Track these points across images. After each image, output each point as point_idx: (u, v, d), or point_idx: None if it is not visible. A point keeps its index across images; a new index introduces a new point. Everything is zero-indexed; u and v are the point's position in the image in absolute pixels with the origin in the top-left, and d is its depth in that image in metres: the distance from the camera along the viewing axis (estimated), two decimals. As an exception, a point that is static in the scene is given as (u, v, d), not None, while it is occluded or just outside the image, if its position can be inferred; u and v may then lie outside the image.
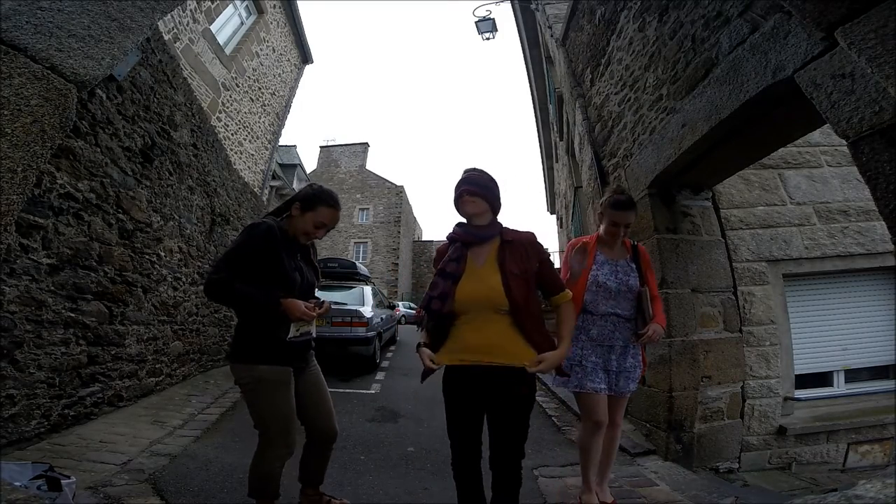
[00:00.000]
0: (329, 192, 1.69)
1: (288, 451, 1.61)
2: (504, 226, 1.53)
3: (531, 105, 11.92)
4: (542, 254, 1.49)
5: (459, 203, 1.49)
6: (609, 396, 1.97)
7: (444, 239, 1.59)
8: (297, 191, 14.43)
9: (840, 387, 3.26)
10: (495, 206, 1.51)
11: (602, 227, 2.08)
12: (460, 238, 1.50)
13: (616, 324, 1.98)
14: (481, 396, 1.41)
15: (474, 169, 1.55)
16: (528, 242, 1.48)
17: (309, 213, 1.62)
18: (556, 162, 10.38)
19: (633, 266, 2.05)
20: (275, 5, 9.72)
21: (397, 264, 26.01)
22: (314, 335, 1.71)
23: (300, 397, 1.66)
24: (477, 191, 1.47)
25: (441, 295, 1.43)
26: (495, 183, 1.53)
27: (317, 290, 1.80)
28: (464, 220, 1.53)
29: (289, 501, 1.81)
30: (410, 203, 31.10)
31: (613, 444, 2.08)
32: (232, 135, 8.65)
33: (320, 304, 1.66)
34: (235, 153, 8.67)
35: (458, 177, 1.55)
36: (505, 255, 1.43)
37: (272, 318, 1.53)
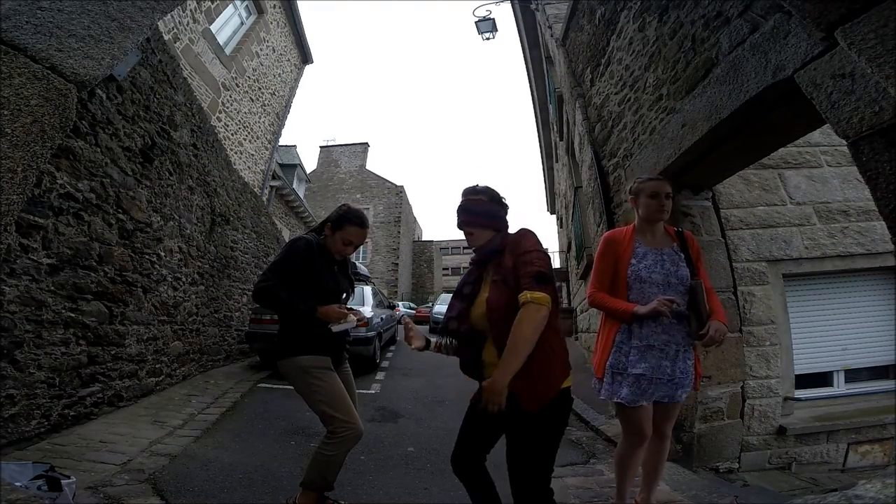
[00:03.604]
0: (356, 212, 1.86)
1: (357, 429, 1.70)
2: (506, 234, 1.41)
3: (531, 105, 11.92)
4: (519, 247, 1.29)
5: (464, 233, 1.44)
6: (660, 406, 1.77)
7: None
8: (296, 191, 14.32)
9: (840, 387, 3.26)
10: (495, 225, 1.41)
11: (641, 212, 1.84)
12: (473, 261, 1.45)
13: (667, 324, 1.71)
14: (496, 418, 1.30)
15: (472, 192, 1.46)
16: (512, 240, 1.34)
17: (338, 233, 1.80)
18: (556, 162, 10.38)
19: (682, 255, 1.79)
20: (275, 5, 9.72)
21: (397, 264, 26.02)
22: (354, 325, 1.84)
23: None
24: (469, 220, 1.41)
25: (459, 315, 1.38)
26: (489, 200, 1.43)
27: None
28: None
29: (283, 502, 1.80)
30: (410, 203, 31.11)
31: (662, 456, 1.90)
32: (232, 135, 8.65)
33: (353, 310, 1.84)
34: (235, 153, 8.67)
35: (458, 182, 1.48)
36: (495, 264, 1.34)
37: (310, 323, 1.72)
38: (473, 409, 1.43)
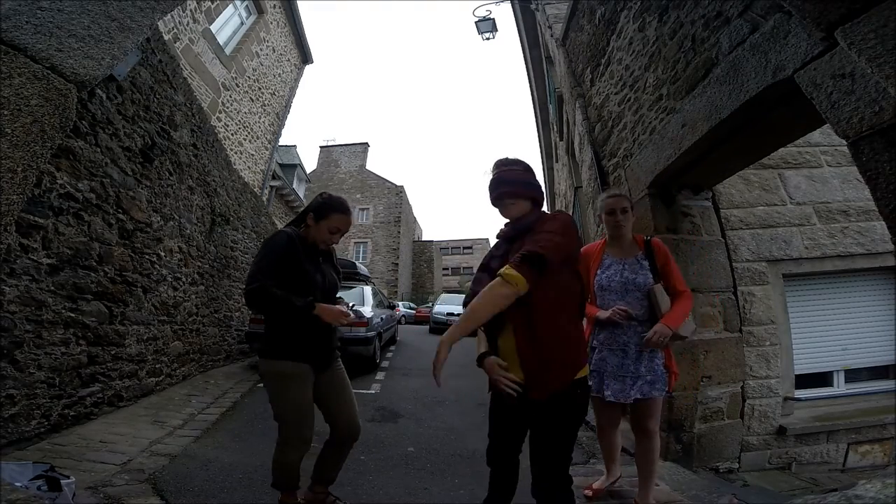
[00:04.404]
0: (338, 199, 1.80)
1: (302, 444, 1.69)
2: (543, 212, 1.36)
3: (531, 105, 11.92)
4: (540, 227, 1.25)
5: (501, 207, 1.37)
6: (633, 404, 1.90)
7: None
8: (296, 191, 14.30)
9: (840, 387, 3.26)
10: (532, 195, 1.36)
11: (606, 229, 2.05)
12: (502, 235, 1.40)
13: (627, 326, 1.89)
14: (518, 409, 1.30)
15: (505, 162, 1.39)
16: (543, 220, 1.28)
17: (323, 222, 1.73)
18: (556, 162, 10.38)
19: (645, 263, 1.94)
20: (275, 5, 9.72)
21: (397, 264, 26.01)
22: (364, 315, 1.77)
23: (323, 395, 1.78)
24: (514, 192, 1.34)
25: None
26: (530, 171, 1.38)
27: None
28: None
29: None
30: (410, 203, 31.11)
31: (647, 455, 1.94)
32: (232, 135, 8.65)
33: (350, 308, 1.80)
34: (235, 153, 8.67)
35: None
36: (521, 245, 1.27)
37: (307, 320, 1.63)
38: (495, 404, 1.41)
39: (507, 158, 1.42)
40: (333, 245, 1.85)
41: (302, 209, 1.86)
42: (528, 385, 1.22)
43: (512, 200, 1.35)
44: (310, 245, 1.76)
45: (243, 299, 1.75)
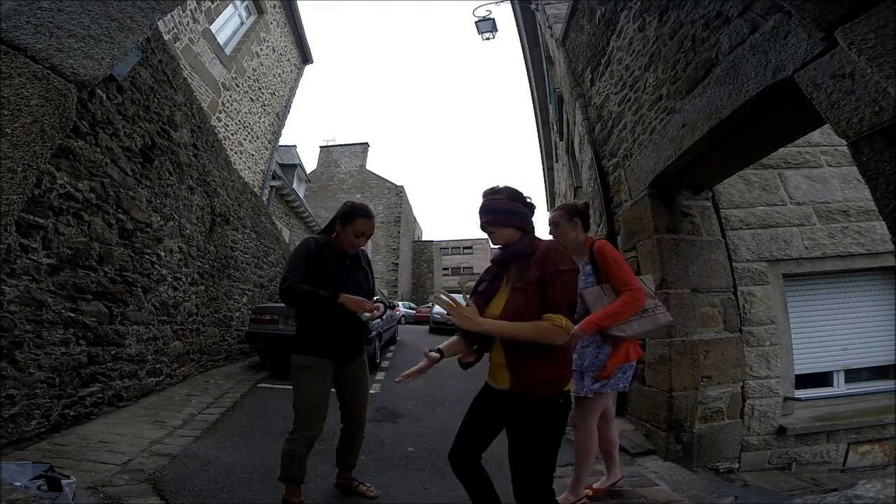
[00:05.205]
0: (361, 205, 1.99)
1: (311, 434, 1.83)
2: (537, 238, 1.42)
3: (531, 105, 11.91)
4: (548, 264, 1.28)
5: (488, 234, 1.45)
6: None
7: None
8: (296, 191, 14.28)
9: (840, 387, 3.26)
10: (522, 225, 1.41)
11: None
12: (494, 259, 1.48)
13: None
14: (497, 415, 1.39)
15: (492, 192, 1.46)
16: (540, 251, 1.34)
17: (348, 227, 1.92)
18: (556, 162, 10.38)
19: (588, 268, 2.03)
20: (275, 5, 9.72)
21: (397, 264, 26.00)
22: (382, 313, 1.94)
23: (341, 387, 1.99)
24: (496, 220, 1.41)
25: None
26: (516, 199, 1.43)
27: None
28: None
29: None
30: (410, 203, 31.09)
31: (576, 446, 2.08)
32: (232, 135, 8.64)
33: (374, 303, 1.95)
34: (235, 153, 8.67)
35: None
36: (518, 270, 1.37)
37: (333, 313, 1.82)
38: (475, 406, 1.47)
39: (494, 187, 1.48)
40: (361, 248, 2.03)
41: (330, 218, 2.06)
42: (518, 390, 1.27)
43: (493, 229, 1.41)
44: (337, 250, 1.95)
45: (278, 295, 1.93)
